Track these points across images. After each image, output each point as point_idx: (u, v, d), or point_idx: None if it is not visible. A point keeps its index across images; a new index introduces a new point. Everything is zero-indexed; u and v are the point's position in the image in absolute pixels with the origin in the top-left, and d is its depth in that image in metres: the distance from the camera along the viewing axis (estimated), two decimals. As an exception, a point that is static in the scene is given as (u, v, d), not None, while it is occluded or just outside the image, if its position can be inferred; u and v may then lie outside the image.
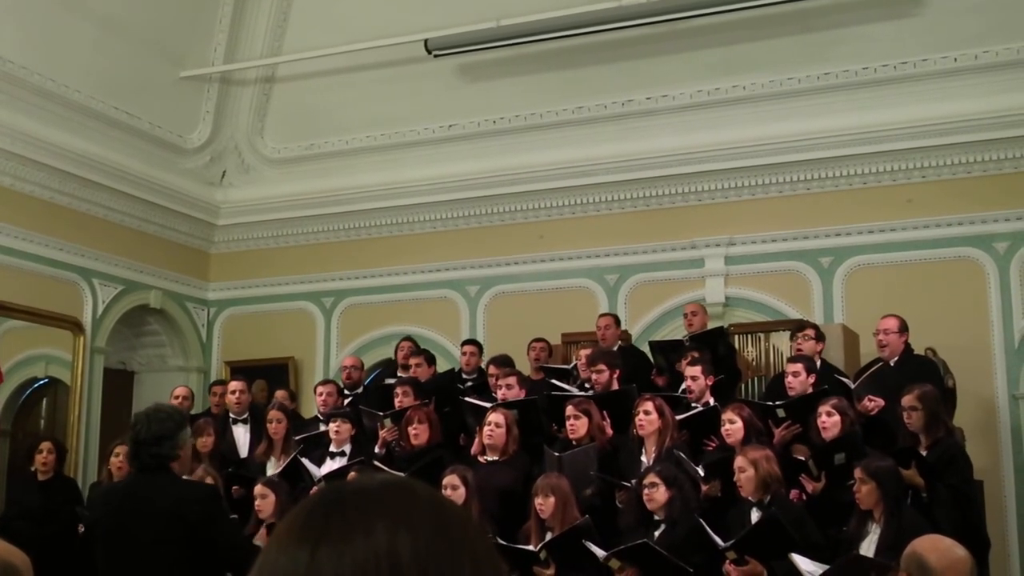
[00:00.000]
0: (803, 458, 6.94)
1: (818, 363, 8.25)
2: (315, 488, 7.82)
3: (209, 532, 4.74)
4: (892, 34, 10.38)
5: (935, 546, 3.84)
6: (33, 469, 9.26)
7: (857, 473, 6.24)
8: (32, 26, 10.58)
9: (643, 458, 7.26)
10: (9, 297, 10.56)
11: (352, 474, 7.36)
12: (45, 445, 9.33)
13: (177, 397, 10.04)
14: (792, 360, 8.10)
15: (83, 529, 6.36)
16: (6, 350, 10.73)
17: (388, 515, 1.10)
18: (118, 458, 8.80)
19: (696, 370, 7.94)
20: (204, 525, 4.73)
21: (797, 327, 8.86)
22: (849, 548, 6.18)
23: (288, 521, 1.14)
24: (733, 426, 7.08)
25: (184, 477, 5.28)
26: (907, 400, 7.07)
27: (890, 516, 6.12)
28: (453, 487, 6.77)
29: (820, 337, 8.65)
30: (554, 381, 9.01)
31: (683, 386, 8.32)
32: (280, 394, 10.11)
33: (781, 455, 7.00)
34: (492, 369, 9.28)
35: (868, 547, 6.14)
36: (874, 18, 10.36)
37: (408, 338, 10.86)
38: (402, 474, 6.80)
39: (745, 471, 6.46)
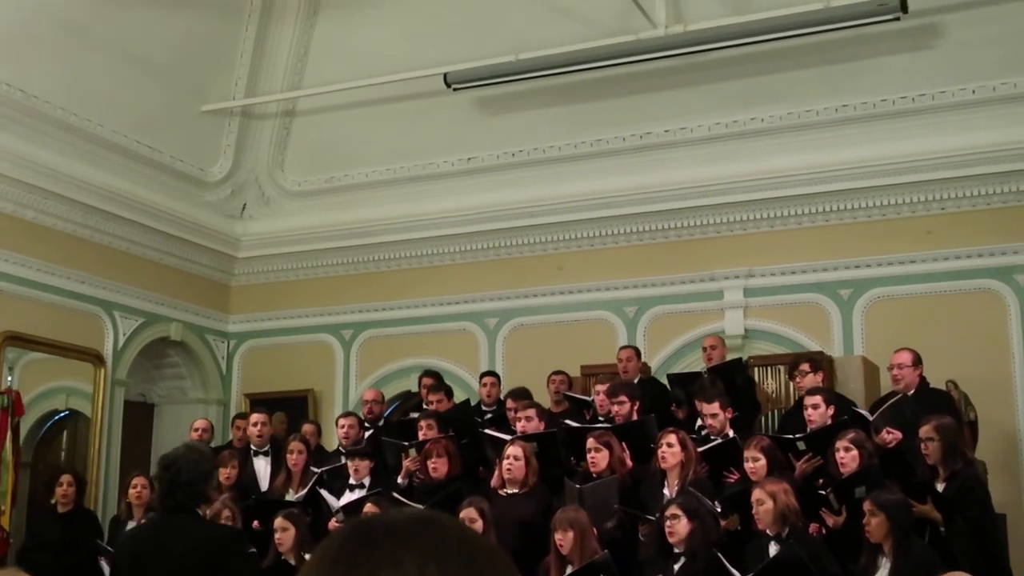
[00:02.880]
0: (824, 492, 6.90)
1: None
2: (334, 520, 7.84)
3: (235, 569, 4.75)
4: (910, 66, 10.39)
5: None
6: (53, 501, 9.29)
7: (866, 506, 6.20)
8: (56, 61, 10.68)
9: (665, 491, 7.24)
10: (31, 329, 10.62)
11: (369, 505, 7.37)
12: (65, 478, 9.36)
13: (197, 430, 10.06)
14: (811, 392, 8.04)
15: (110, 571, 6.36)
16: (27, 382, 10.77)
17: (417, 548, 1.11)
18: (135, 489, 8.86)
19: (715, 406, 7.91)
20: (226, 568, 4.74)
21: (792, 365, 8.78)
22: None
23: (318, 554, 1.15)
24: (757, 463, 7.04)
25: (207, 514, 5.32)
26: (924, 431, 7.05)
27: (899, 549, 6.08)
28: (471, 520, 6.76)
29: (816, 368, 8.57)
30: (567, 421, 8.97)
31: (698, 424, 8.30)
32: (307, 428, 10.09)
33: (802, 487, 6.97)
34: (510, 403, 9.27)
35: (879, 580, 6.11)
36: (892, 50, 10.38)
37: (427, 372, 10.84)
38: (421, 506, 6.81)
39: (764, 503, 6.45)
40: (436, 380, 10.54)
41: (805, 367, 8.52)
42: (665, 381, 9.65)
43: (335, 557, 1.13)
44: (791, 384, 9.54)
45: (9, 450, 9.96)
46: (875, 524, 6.14)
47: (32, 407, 10.91)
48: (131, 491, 8.93)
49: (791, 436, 7.56)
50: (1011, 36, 10.02)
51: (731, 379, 8.91)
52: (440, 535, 1.14)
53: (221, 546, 4.81)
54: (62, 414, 11.72)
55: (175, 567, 4.73)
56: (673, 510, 6.54)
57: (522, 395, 9.22)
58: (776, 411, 9.53)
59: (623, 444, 7.70)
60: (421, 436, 8.74)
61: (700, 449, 7.48)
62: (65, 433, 11.87)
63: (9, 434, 9.99)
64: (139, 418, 12.38)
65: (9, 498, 9.85)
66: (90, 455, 11.15)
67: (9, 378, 10.37)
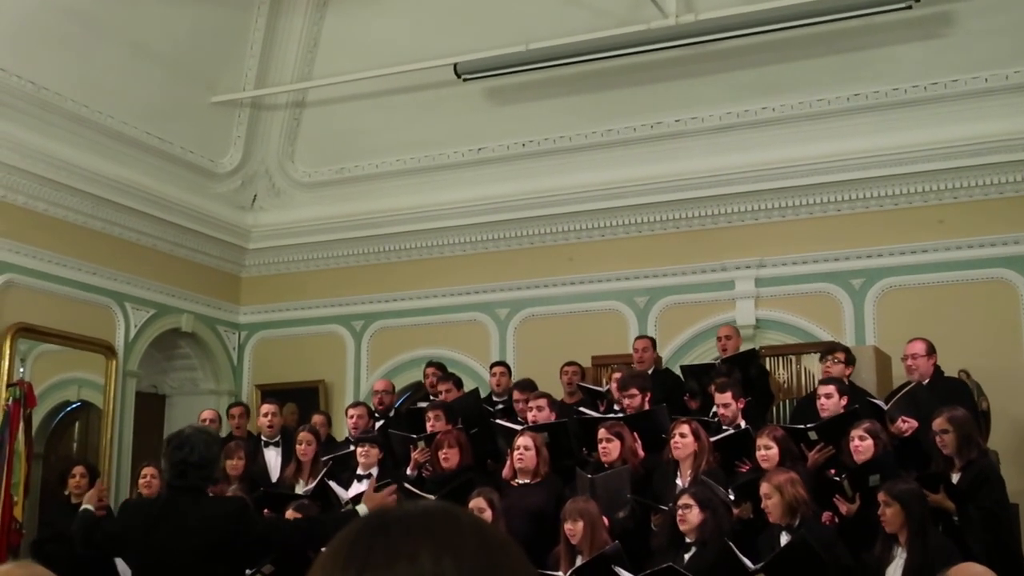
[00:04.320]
0: (838, 478, 6.90)
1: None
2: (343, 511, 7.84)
3: (244, 538, 4.81)
4: (922, 55, 10.35)
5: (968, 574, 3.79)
6: (67, 493, 9.30)
7: (881, 496, 6.19)
8: (66, 53, 10.69)
9: (678, 480, 7.24)
10: (42, 321, 10.65)
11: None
12: (78, 469, 9.36)
13: (204, 420, 10.06)
14: (823, 382, 8.04)
15: (102, 537, 6.22)
16: (39, 374, 10.81)
17: (432, 541, 1.11)
18: (145, 479, 8.87)
19: (727, 396, 7.92)
20: (237, 536, 4.79)
21: (827, 349, 8.80)
22: (875, 573, 6.14)
23: (332, 547, 1.15)
24: (769, 451, 7.05)
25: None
26: (938, 423, 7.03)
27: (915, 540, 6.07)
28: (479, 510, 6.77)
29: (850, 361, 8.56)
30: (581, 408, 8.97)
31: (713, 410, 8.28)
32: (317, 419, 10.10)
33: (815, 476, 6.97)
34: (517, 394, 9.28)
35: (894, 572, 6.10)
36: (904, 39, 10.34)
37: (431, 363, 10.85)
38: (433, 497, 6.83)
39: (771, 497, 6.45)
40: (442, 370, 10.54)
41: (840, 355, 8.51)
42: (678, 371, 9.65)
43: (350, 550, 1.12)
44: (804, 374, 9.54)
45: (22, 441, 9.98)
46: (890, 514, 6.13)
47: (44, 399, 10.94)
48: (141, 481, 8.94)
49: (802, 426, 7.55)
50: (1023, 24, 9.97)
51: (745, 369, 8.91)
52: (455, 528, 1.14)
53: (233, 519, 4.85)
54: (74, 405, 11.75)
55: (184, 544, 4.76)
56: (685, 499, 6.54)
57: (529, 386, 9.22)
58: (788, 401, 9.52)
59: (635, 434, 7.70)
60: (429, 427, 8.74)
61: (713, 439, 7.48)
62: (77, 424, 11.90)
63: (21, 425, 10.01)
64: (151, 409, 12.41)
65: (22, 489, 9.88)
66: (102, 446, 11.18)
67: (21, 370, 10.40)
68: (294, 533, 5.39)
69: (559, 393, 9.71)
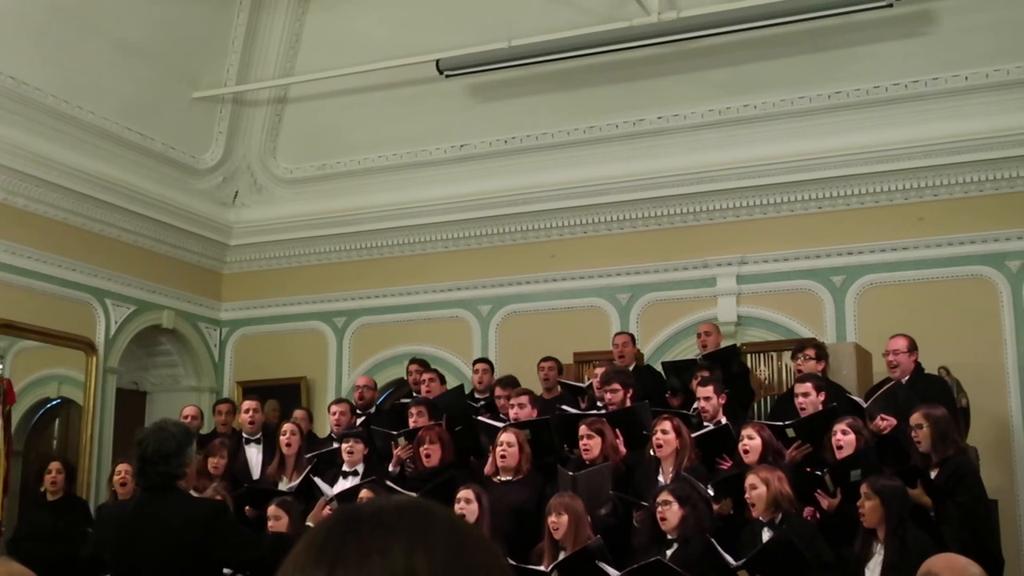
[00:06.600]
0: (820, 473, 6.91)
1: (821, 383, 8.19)
2: (327, 507, 7.82)
3: (219, 547, 4.74)
4: (903, 53, 10.38)
5: (950, 565, 3.80)
6: (43, 489, 9.26)
7: (863, 489, 6.22)
8: (47, 48, 10.64)
9: (660, 478, 7.24)
10: (22, 317, 10.59)
11: (364, 492, 7.36)
12: (54, 465, 9.32)
13: (186, 417, 10.01)
14: (800, 380, 8.03)
15: (87, 552, 6.23)
16: (19, 370, 10.75)
17: (405, 536, 1.11)
18: (119, 476, 8.82)
19: (708, 390, 7.93)
20: (213, 541, 4.72)
21: (798, 347, 8.79)
22: (855, 569, 6.16)
23: (305, 542, 1.14)
24: (752, 442, 7.06)
25: (192, 494, 5.27)
26: (914, 418, 7.06)
27: (894, 537, 6.09)
28: (467, 500, 6.77)
29: (821, 356, 8.56)
30: (563, 406, 8.97)
31: (695, 406, 8.28)
32: (299, 414, 10.07)
33: (795, 472, 6.98)
34: (499, 391, 9.26)
35: (874, 568, 6.11)
36: (885, 37, 10.37)
37: (414, 360, 10.83)
38: (414, 494, 6.80)
39: (756, 488, 6.46)
40: (425, 367, 10.52)
41: (810, 352, 8.51)
42: (659, 368, 9.66)
43: (323, 544, 1.12)
44: (784, 370, 9.56)
45: (1, 439, 9.93)
46: (869, 508, 6.15)
47: (24, 395, 10.89)
48: (115, 478, 8.88)
49: (781, 423, 7.56)
50: (1003, 23, 10.02)
51: (726, 366, 8.91)
52: (428, 523, 1.14)
53: (205, 523, 4.77)
54: (54, 402, 11.70)
55: (158, 545, 4.70)
56: (664, 496, 6.54)
57: (511, 383, 9.21)
58: (769, 398, 9.54)
59: (616, 431, 7.70)
60: (411, 423, 8.73)
61: (694, 435, 7.48)
62: (57, 421, 11.85)
63: (1, 423, 9.96)
64: (131, 406, 12.35)
65: (1, 487, 9.83)
66: (82, 443, 11.14)
67: (0, 366, 10.35)
68: (272, 551, 4.95)
69: (539, 389, 9.71)
